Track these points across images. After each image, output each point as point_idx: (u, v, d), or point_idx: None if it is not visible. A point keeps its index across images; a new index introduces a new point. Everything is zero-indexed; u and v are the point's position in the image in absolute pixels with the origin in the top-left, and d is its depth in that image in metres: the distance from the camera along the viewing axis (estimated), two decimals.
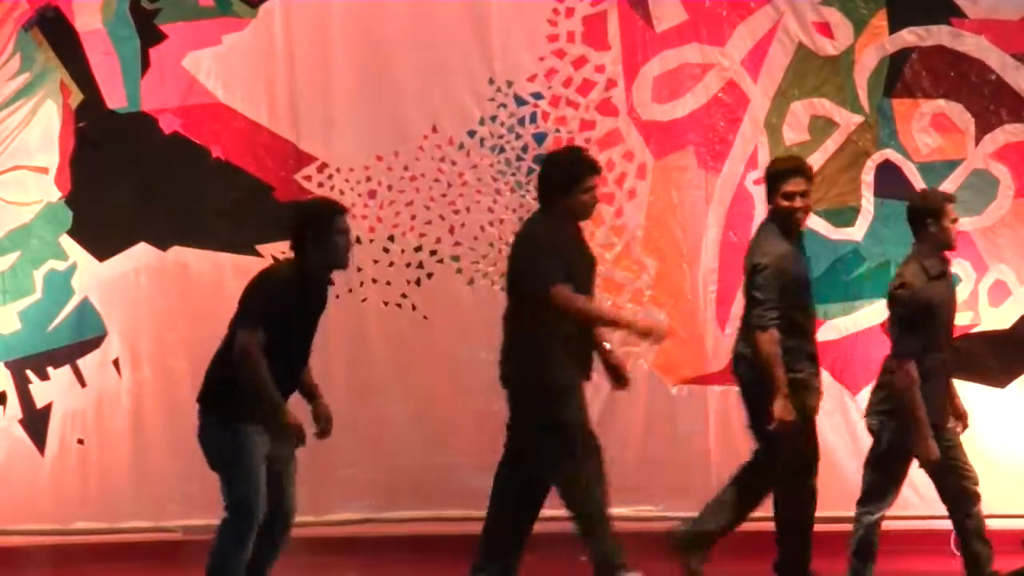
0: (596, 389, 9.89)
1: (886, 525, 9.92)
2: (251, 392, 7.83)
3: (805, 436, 8.83)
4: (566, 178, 8.62)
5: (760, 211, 10.16)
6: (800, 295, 8.82)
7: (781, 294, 8.58)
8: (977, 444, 9.76)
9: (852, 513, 9.42)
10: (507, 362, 8.63)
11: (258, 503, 7.94)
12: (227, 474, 7.96)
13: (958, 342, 9.80)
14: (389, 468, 10.59)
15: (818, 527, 9.77)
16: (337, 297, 10.07)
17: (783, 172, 8.75)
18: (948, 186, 10.34)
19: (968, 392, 9.91)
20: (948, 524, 9.18)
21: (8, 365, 10.60)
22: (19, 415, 10.60)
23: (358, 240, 10.36)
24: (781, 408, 8.46)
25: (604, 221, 10.53)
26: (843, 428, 10.34)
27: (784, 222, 8.75)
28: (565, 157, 8.93)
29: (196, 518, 10.19)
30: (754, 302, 8.59)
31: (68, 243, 10.64)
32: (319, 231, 8.06)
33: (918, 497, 9.89)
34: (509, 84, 10.57)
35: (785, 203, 8.57)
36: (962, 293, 10.46)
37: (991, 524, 9.20)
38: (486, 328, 9.92)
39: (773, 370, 8.46)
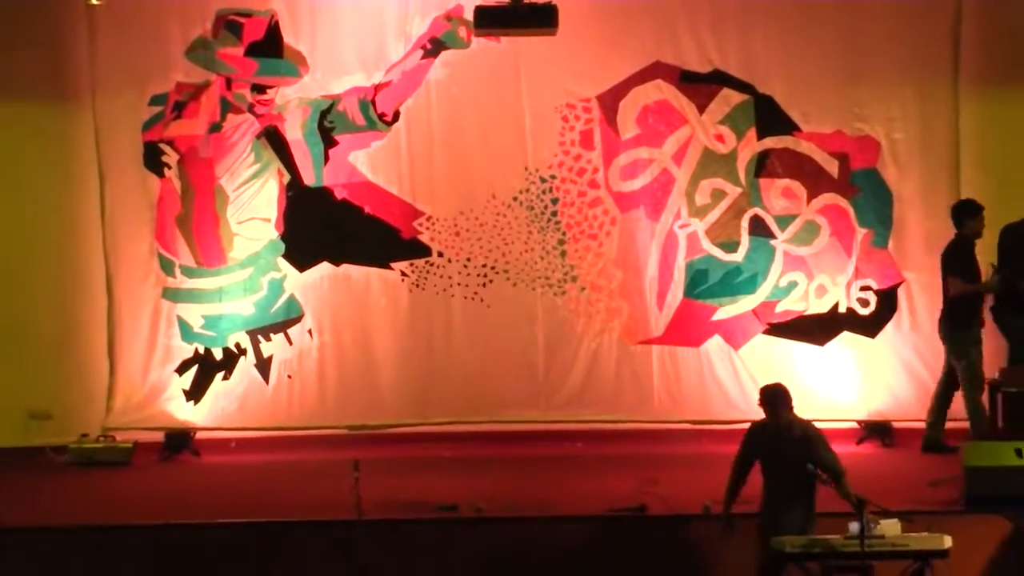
0: (586, 349, 12.57)
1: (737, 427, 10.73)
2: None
3: None
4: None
5: (683, 245, 12.57)
6: None
7: None
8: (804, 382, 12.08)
9: (737, 418, 11.42)
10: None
11: None
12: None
13: (796, 322, 12.39)
14: (465, 389, 12.62)
15: (710, 427, 12.29)
16: (437, 294, 12.74)
17: None
18: (792, 229, 12.47)
19: (800, 349, 12.50)
20: None
21: (248, 333, 12.86)
22: (254, 362, 12.83)
23: (449, 260, 12.64)
24: None
25: (591, 250, 12.62)
26: (730, 370, 12.64)
27: None
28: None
29: (355, 419, 12.71)
30: None
31: (282, 262, 12.78)
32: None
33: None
34: (536, 170, 12.74)
35: None
36: (799, 292, 12.65)
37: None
38: (522, 311, 12.70)
39: None
